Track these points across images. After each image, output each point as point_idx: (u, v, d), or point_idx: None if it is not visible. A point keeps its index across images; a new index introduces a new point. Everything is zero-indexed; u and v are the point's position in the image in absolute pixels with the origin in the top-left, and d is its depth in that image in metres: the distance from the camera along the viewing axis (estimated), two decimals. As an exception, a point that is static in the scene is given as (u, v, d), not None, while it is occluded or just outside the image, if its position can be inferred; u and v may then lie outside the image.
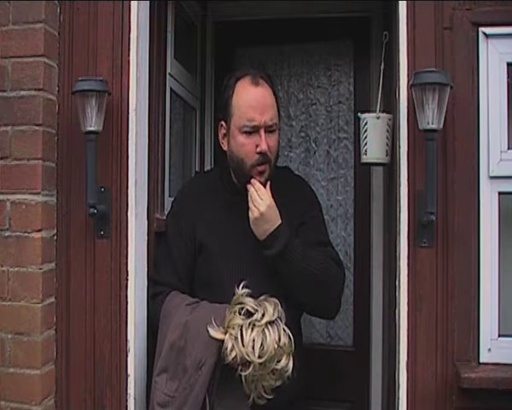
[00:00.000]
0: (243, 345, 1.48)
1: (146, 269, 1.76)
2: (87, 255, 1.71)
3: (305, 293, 1.67)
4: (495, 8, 1.62)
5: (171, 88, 2.07)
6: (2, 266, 1.67)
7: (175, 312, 1.62)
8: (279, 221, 1.63)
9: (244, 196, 1.68)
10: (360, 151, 2.01)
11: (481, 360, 1.60)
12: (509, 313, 1.63)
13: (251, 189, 1.66)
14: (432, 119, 1.51)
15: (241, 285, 1.56)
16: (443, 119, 1.53)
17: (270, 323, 1.51)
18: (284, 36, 2.65)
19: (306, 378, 1.77)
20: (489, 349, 1.60)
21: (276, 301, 1.56)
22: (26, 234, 1.65)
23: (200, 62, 2.57)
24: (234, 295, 1.57)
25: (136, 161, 1.70)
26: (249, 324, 1.51)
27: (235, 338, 1.50)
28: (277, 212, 1.64)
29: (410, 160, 1.62)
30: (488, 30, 1.62)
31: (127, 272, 1.68)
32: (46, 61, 1.68)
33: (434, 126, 1.52)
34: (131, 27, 1.70)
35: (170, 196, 2.01)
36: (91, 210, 1.63)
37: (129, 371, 1.68)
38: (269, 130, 1.66)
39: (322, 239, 1.78)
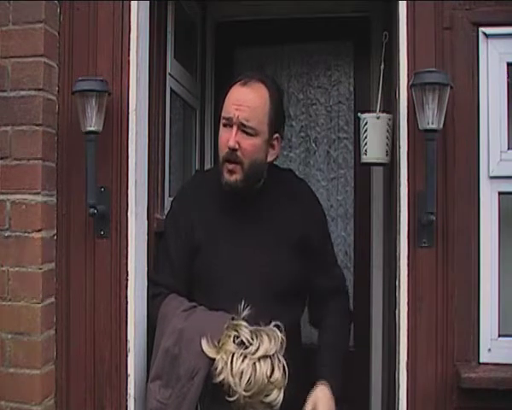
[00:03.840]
0: (232, 375, 1.45)
1: (146, 269, 1.76)
2: (87, 255, 1.71)
3: None
4: (495, 8, 1.62)
5: (171, 88, 2.07)
6: (2, 266, 1.67)
7: (171, 317, 1.61)
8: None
9: (239, 196, 1.67)
10: (360, 151, 2.02)
11: (481, 360, 1.61)
12: (509, 313, 1.63)
13: None
14: (432, 119, 1.51)
15: (243, 307, 1.52)
16: (443, 119, 1.53)
17: (264, 357, 1.47)
18: (284, 36, 2.65)
19: (305, 379, 1.76)
20: (489, 349, 1.60)
21: (277, 333, 1.51)
22: (26, 234, 1.65)
23: (200, 62, 2.57)
24: (236, 303, 1.52)
25: (136, 161, 1.70)
26: (241, 354, 1.47)
27: (226, 363, 1.47)
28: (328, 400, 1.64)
29: (410, 160, 1.62)
30: (488, 30, 1.62)
31: (127, 272, 1.68)
32: (46, 61, 1.68)
33: (434, 126, 1.52)
34: (131, 27, 1.70)
35: (170, 196, 2.01)
36: (91, 210, 1.63)
37: (129, 371, 1.68)
38: (244, 131, 1.60)
39: (330, 261, 1.81)
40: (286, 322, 1.55)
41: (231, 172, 1.63)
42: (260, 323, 1.53)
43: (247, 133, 1.61)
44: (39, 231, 1.65)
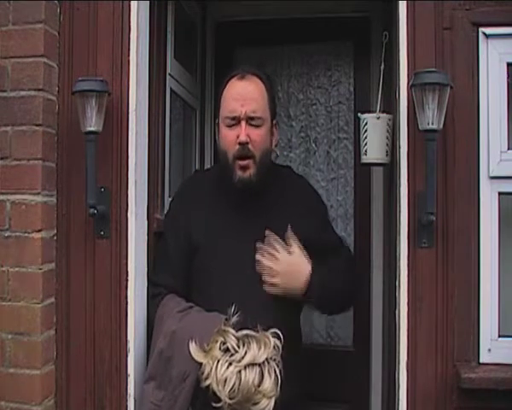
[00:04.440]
0: (216, 381, 1.44)
1: (146, 269, 1.76)
2: (87, 255, 1.71)
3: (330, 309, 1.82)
4: (495, 9, 1.62)
5: (171, 88, 2.07)
6: (2, 266, 1.67)
7: (167, 318, 1.61)
8: (307, 271, 1.63)
9: (241, 194, 1.67)
10: (360, 151, 2.02)
11: (481, 361, 1.60)
12: (509, 313, 1.63)
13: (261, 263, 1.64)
14: (432, 119, 1.51)
15: (233, 312, 1.51)
16: (443, 119, 1.53)
17: (252, 365, 1.44)
18: (284, 36, 2.65)
19: (305, 380, 1.76)
20: (489, 350, 1.60)
21: (269, 339, 1.49)
22: (26, 234, 1.65)
23: (200, 62, 2.57)
24: (234, 303, 1.52)
25: (136, 161, 1.70)
26: (226, 361, 1.45)
27: (211, 369, 1.45)
28: (299, 262, 1.64)
29: (410, 160, 1.62)
30: (488, 30, 1.62)
31: (127, 272, 1.68)
32: (46, 61, 1.68)
33: (434, 127, 1.52)
34: (131, 27, 1.70)
35: (170, 196, 2.01)
36: (91, 210, 1.63)
37: (129, 371, 1.68)
38: (252, 123, 1.64)
39: (335, 243, 1.82)
40: (286, 322, 1.56)
41: (245, 168, 1.64)
42: (258, 326, 1.51)
43: (254, 125, 1.64)
44: (39, 231, 1.65)
